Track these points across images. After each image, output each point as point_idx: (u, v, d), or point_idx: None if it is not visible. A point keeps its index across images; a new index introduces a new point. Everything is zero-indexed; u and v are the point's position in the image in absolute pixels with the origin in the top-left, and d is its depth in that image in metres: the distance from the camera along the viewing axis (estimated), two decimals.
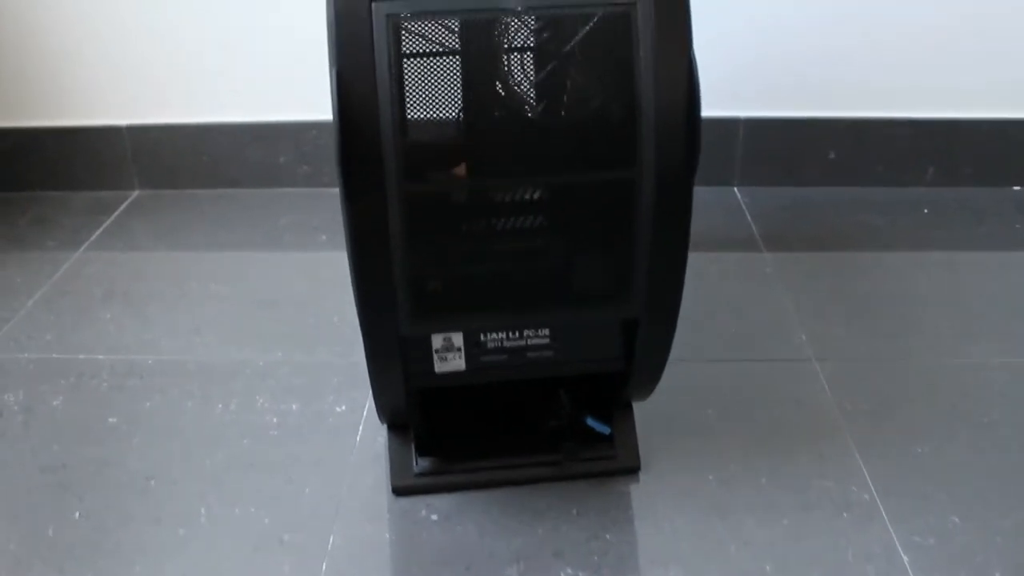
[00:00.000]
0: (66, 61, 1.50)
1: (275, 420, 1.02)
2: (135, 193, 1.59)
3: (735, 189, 1.57)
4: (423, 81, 0.65)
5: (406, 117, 0.65)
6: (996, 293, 1.26)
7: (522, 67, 0.69)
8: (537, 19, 0.66)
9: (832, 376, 1.08)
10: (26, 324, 1.20)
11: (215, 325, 1.19)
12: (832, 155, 1.55)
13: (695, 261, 0.76)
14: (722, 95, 1.49)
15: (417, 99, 0.65)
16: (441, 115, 0.66)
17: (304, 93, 1.49)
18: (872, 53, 1.48)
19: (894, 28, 1.46)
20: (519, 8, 0.64)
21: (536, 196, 0.71)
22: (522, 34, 0.67)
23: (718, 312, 1.22)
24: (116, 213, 1.51)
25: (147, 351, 1.14)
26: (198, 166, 1.57)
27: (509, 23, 0.66)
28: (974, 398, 1.04)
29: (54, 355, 1.14)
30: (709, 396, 1.05)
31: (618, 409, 0.93)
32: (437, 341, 0.80)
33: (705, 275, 1.30)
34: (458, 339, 0.80)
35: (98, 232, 1.45)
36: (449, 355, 0.80)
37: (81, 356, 1.14)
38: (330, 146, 1.09)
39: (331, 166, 1.44)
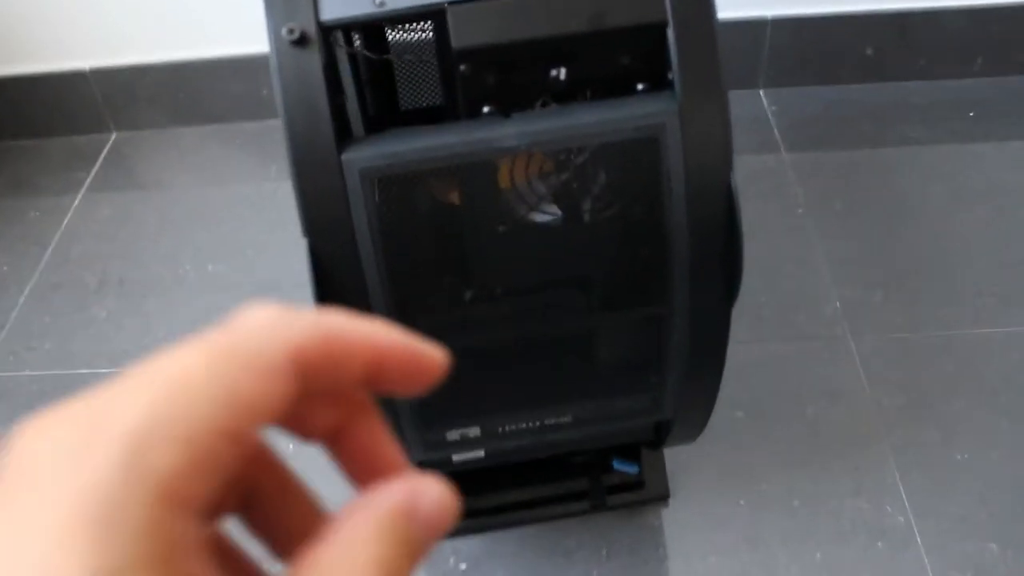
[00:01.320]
0: (19, 4, 1.34)
1: (290, 448, 0.99)
2: (113, 136, 1.47)
3: (760, 92, 1.43)
4: (415, 244, 0.55)
5: (399, 297, 0.56)
6: None
7: (530, 203, 0.59)
8: (545, 154, 0.55)
9: (868, 358, 1.03)
10: (22, 330, 1.16)
11: (217, 322, 1.14)
12: (870, 51, 1.39)
13: None
14: None
15: (410, 269, 0.56)
16: (439, 287, 0.57)
17: None
18: None
19: None
20: (521, 145, 0.53)
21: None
22: (530, 170, 0.57)
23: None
24: (95, 166, 1.41)
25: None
26: (177, 104, 1.45)
27: (513, 161, 0.56)
28: (1020, 383, 0.99)
29: (56, 371, 1.10)
30: (737, 392, 1.01)
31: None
32: (453, 435, 0.75)
33: None
34: (475, 431, 0.75)
35: (80, 194, 1.36)
36: (467, 446, 0.76)
37: (83, 370, 1.10)
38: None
39: None
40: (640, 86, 0.55)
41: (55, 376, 1.10)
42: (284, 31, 0.51)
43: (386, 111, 1.04)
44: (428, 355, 0.21)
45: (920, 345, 1.04)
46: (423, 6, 0.53)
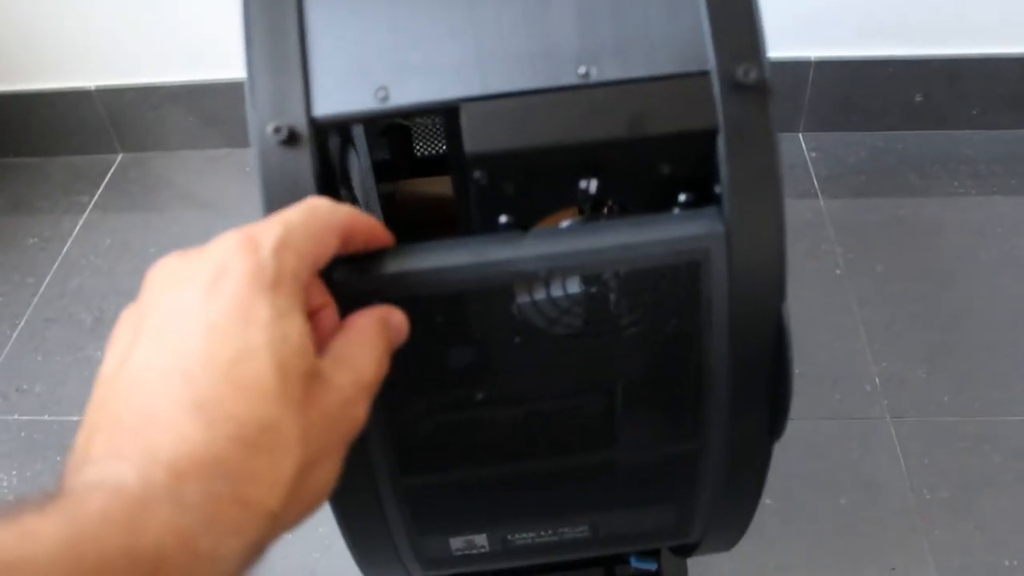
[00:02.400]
0: (25, 22, 1.28)
1: None
2: (119, 156, 1.42)
3: (800, 136, 1.35)
4: (414, 353, 0.48)
5: (396, 409, 0.50)
6: None
7: (550, 316, 0.52)
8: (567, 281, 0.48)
9: (908, 443, 0.95)
10: (13, 369, 1.10)
11: None
12: (919, 98, 1.31)
13: None
14: (789, 33, 1.25)
15: (409, 382, 0.49)
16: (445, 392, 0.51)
17: None
18: None
19: None
20: (540, 271, 0.46)
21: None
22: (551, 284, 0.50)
23: None
24: (99, 189, 1.36)
25: None
26: (186, 126, 1.39)
27: (531, 285, 0.49)
28: None
29: (46, 416, 1.04)
30: (769, 477, 0.93)
31: None
32: (457, 542, 0.68)
33: None
34: (481, 539, 0.68)
35: (80, 222, 1.30)
36: (471, 551, 0.69)
37: (75, 417, 1.04)
38: None
39: None
40: (682, 196, 0.48)
41: (44, 422, 1.04)
42: (270, 129, 0.44)
43: (402, 158, 0.98)
44: (383, 236, 0.38)
45: (965, 431, 0.96)
46: (433, 103, 0.46)
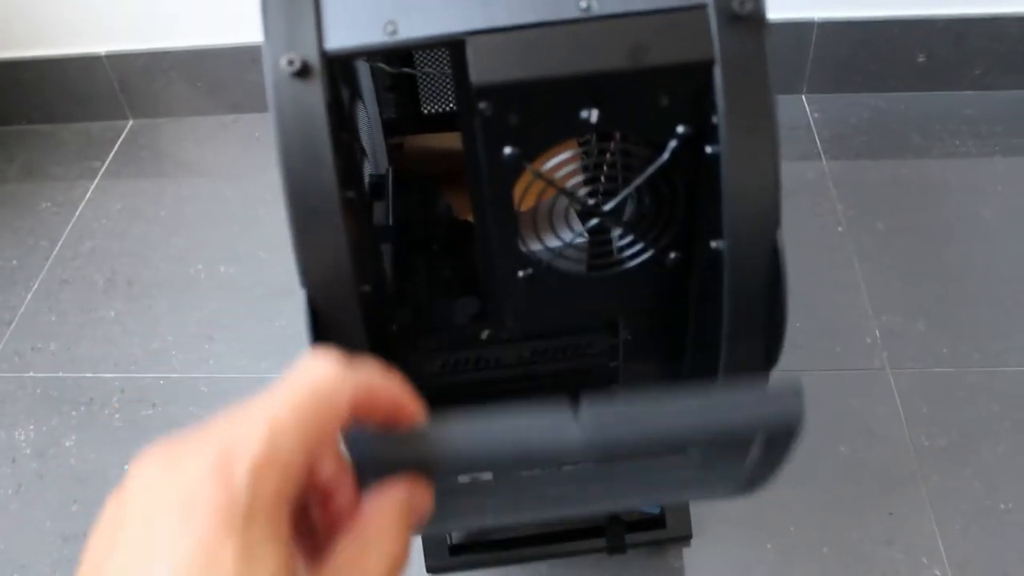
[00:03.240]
0: None
1: None
2: (129, 123, 1.43)
3: (803, 98, 1.36)
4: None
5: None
6: None
7: (555, 249, 0.53)
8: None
9: (907, 393, 0.97)
10: (28, 328, 1.12)
11: (228, 327, 1.10)
12: (922, 58, 1.32)
13: None
14: None
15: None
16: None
17: None
18: None
19: None
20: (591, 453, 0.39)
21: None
22: (554, 216, 0.52)
23: None
24: (110, 155, 1.37)
25: (157, 367, 1.06)
26: (196, 91, 1.40)
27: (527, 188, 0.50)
28: None
29: (60, 373, 1.07)
30: None
31: None
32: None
33: None
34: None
35: (93, 185, 1.32)
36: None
37: (88, 375, 1.06)
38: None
39: None
40: (680, 128, 0.49)
41: (59, 379, 1.06)
42: (283, 61, 0.46)
43: (409, 116, 0.99)
44: (409, 407, 0.31)
45: (964, 381, 0.98)
46: (440, 36, 0.47)
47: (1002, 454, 0.92)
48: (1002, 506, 0.87)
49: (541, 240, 0.55)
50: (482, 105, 0.47)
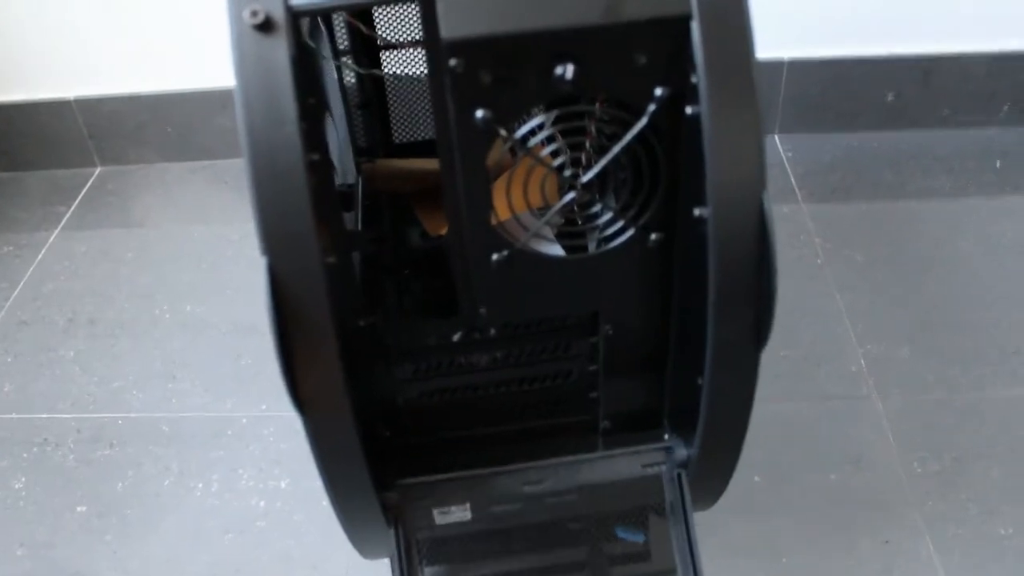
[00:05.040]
0: (2, 32, 1.29)
1: (262, 504, 0.90)
2: (97, 170, 1.41)
3: (776, 138, 1.36)
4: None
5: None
6: None
7: (531, 230, 0.51)
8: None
9: (896, 420, 0.94)
10: None
11: (192, 365, 1.06)
12: (891, 97, 1.33)
13: None
14: (762, 33, 1.27)
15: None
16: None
17: None
18: None
19: None
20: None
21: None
22: (530, 196, 0.49)
23: None
24: (76, 201, 1.34)
25: (117, 406, 1.01)
26: (165, 137, 1.38)
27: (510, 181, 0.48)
28: None
29: (14, 415, 1.01)
30: (756, 454, 0.91)
31: None
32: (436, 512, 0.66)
33: None
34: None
35: (57, 230, 1.29)
36: (452, 508, 0.67)
37: (43, 415, 1.01)
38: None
39: None
40: (658, 90, 0.48)
41: (12, 420, 1.01)
42: (247, 14, 0.44)
43: (379, 143, 0.98)
44: None
45: (953, 407, 0.95)
46: None
47: (997, 479, 0.88)
48: (1001, 531, 0.84)
49: (516, 218, 0.53)
50: (453, 62, 0.45)
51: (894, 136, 1.36)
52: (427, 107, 0.94)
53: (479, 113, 0.47)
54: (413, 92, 0.93)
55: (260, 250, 0.46)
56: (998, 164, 1.30)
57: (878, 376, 0.99)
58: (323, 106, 0.53)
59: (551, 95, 0.48)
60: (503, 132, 0.48)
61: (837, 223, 1.20)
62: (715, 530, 0.85)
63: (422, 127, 0.96)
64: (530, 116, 0.50)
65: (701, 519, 0.84)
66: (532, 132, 0.50)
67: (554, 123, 0.50)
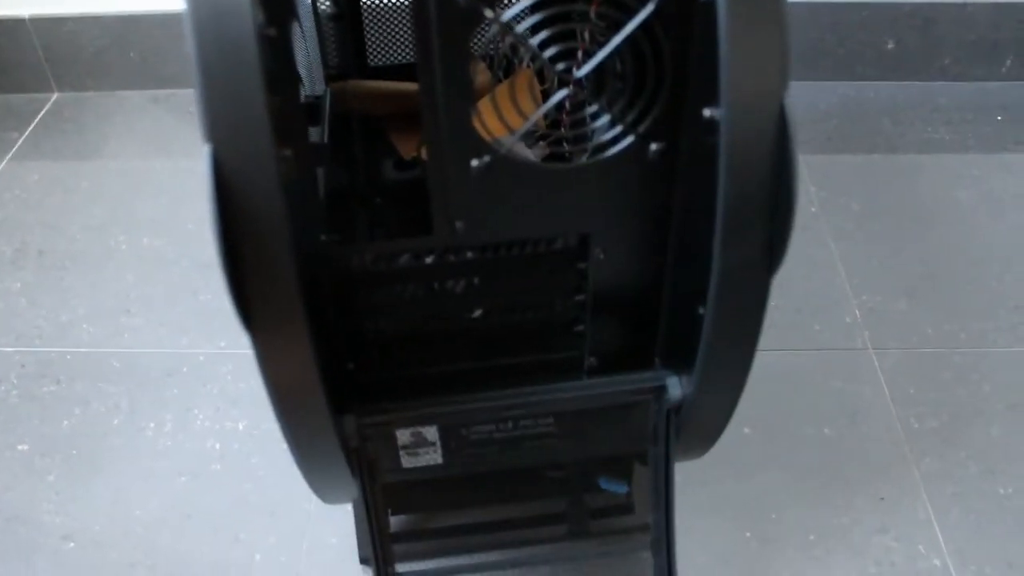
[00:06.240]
0: None
1: (217, 446, 0.84)
2: (53, 96, 1.32)
3: None
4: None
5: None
6: None
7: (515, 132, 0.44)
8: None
9: (893, 374, 0.89)
10: None
11: (147, 300, 0.99)
12: (891, 45, 1.27)
13: None
14: None
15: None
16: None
17: None
18: None
19: None
20: None
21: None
22: (518, 95, 0.43)
23: None
24: (30, 127, 1.26)
25: (65, 340, 0.95)
26: (127, 63, 1.30)
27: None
28: None
29: None
30: (746, 406, 0.86)
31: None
32: (403, 437, 0.60)
33: None
34: (431, 433, 0.60)
35: (8, 156, 1.21)
36: (421, 450, 0.61)
37: None
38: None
39: None
40: None
41: None
42: None
43: (353, 66, 0.91)
44: None
45: (951, 361, 0.91)
46: None
47: (997, 436, 0.84)
48: (1001, 491, 0.80)
49: (501, 118, 0.46)
50: None
51: (893, 86, 1.30)
52: (404, 23, 0.87)
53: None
54: (389, 5, 0.86)
55: (202, 136, 0.39)
56: (999, 118, 1.25)
57: (874, 329, 0.94)
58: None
59: None
60: (489, 13, 0.41)
61: (833, 172, 1.15)
62: (701, 483, 0.80)
63: (399, 49, 0.89)
64: None
65: (687, 472, 0.80)
66: (521, 18, 0.44)
67: (546, 7, 0.44)
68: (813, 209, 1.09)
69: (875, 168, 1.16)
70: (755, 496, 0.80)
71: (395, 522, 0.76)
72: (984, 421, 0.85)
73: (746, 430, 0.85)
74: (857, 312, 0.96)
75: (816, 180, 1.13)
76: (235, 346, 0.92)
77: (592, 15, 0.44)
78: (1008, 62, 1.29)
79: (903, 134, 1.22)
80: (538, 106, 0.47)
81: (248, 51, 0.38)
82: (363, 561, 0.76)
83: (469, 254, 0.54)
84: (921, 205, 1.10)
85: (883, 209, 1.09)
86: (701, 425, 0.57)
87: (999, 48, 1.28)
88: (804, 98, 1.28)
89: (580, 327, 0.58)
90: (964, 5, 1.24)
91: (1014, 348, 0.92)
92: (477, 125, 0.45)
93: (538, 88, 0.57)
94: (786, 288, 0.99)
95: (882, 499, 0.79)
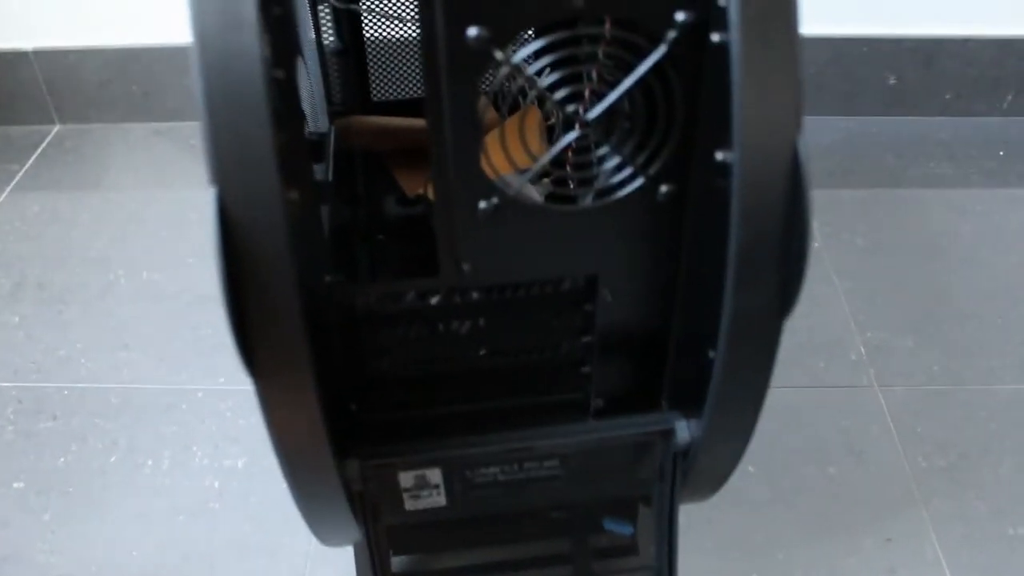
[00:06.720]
0: None
1: (216, 485, 0.83)
2: (55, 128, 1.32)
3: None
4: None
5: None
6: None
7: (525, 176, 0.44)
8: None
9: (899, 412, 0.89)
10: None
11: (146, 334, 0.98)
12: (892, 80, 1.28)
13: None
14: None
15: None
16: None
17: None
18: None
19: None
20: None
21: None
22: (527, 136, 0.43)
23: None
24: (31, 159, 1.26)
25: (63, 375, 0.94)
26: (130, 96, 1.30)
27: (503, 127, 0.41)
28: None
29: None
30: (751, 444, 0.86)
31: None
32: (406, 479, 0.59)
33: None
34: (435, 475, 0.59)
35: (9, 188, 1.20)
36: (424, 492, 0.60)
37: None
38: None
39: None
40: (680, 15, 0.41)
41: None
42: None
43: (356, 102, 0.91)
44: None
45: (958, 399, 0.90)
46: None
47: (1005, 475, 0.83)
48: (1011, 531, 0.79)
49: (510, 160, 0.46)
50: None
51: (894, 121, 1.30)
52: (408, 59, 0.87)
53: (472, 31, 0.40)
54: (393, 42, 0.86)
55: (208, 178, 0.39)
56: (1001, 153, 1.25)
57: (879, 366, 0.93)
58: (291, 13, 0.46)
59: (555, 13, 0.41)
60: (499, 54, 0.41)
61: (836, 207, 1.15)
62: (705, 523, 0.79)
63: (403, 84, 0.89)
64: (529, 39, 0.44)
65: (691, 511, 0.79)
66: (530, 60, 0.43)
67: (556, 49, 0.44)
68: (816, 244, 1.09)
69: (878, 203, 1.16)
70: (761, 536, 0.78)
71: (396, 562, 0.75)
72: (993, 460, 0.84)
73: (750, 468, 0.84)
74: (862, 349, 0.95)
75: (819, 215, 1.13)
76: (235, 382, 0.91)
77: (600, 55, 0.43)
78: (1009, 97, 1.30)
79: (906, 169, 1.22)
80: (546, 144, 0.47)
81: (256, 94, 0.37)
82: None
83: (475, 295, 0.53)
84: (925, 240, 1.10)
85: (887, 244, 1.09)
86: (709, 469, 0.56)
87: (1001, 84, 1.28)
88: (806, 133, 1.27)
89: (586, 368, 0.57)
90: (966, 41, 1.24)
91: (1021, 385, 0.91)
92: (485, 166, 0.45)
93: (544, 126, 0.57)
94: (790, 324, 0.98)
95: (889, 540, 0.78)
